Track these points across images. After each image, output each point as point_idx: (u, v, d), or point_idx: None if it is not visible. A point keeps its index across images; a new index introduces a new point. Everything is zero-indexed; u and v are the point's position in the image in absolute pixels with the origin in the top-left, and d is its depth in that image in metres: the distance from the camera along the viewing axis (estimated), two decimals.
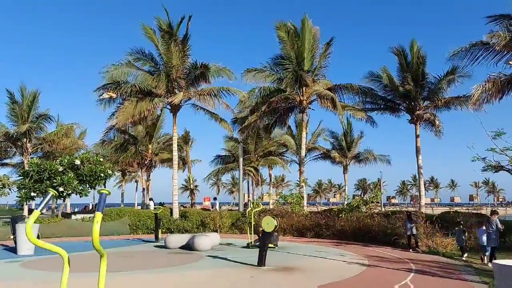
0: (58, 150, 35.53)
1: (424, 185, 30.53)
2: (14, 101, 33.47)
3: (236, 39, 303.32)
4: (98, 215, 3.41)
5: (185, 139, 40.48)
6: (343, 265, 12.08)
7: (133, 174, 50.73)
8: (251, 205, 21.07)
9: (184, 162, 41.73)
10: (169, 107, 24.75)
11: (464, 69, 25.03)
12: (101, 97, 23.06)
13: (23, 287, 9.12)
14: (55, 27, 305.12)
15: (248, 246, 16.23)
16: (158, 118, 35.52)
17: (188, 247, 15.56)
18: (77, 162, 21.46)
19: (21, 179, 21.35)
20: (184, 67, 24.17)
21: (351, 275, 10.44)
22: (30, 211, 39.75)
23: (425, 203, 32.59)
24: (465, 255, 13.85)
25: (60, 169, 21.31)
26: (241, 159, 30.19)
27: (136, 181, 50.01)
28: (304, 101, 27.32)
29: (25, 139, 33.21)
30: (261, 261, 11.56)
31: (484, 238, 12.88)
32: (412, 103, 27.77)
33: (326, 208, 28.82)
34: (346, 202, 24.01)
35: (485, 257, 12.86)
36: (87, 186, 22.06)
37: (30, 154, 33.77)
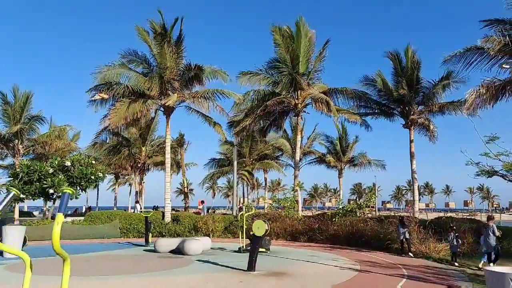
0: (50, 152, 35.22)
1: (419, 190, 30.44)
2: (6, 102, 33.16)
3: (234, 42, 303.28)
4: (59, 217, 3.22)
5: (180, 142, 40.26)
6: (335, 270, 11.89)
7: (126, 177, 50.43)
8: (244, 209, 20.86)
9: (178, 166, 41.51)
10: (163, 109, 24.55)
11: (459, 74, 25.13)
12: (93, 98, 22.81)
13: None
14: (49, 29, 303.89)
15: (239, 250, 16.01)
16: (152, 120, 35.28)
17: (179, 251, 15.32)
18: (68, 163, 21.20)
19: (11, 180, 21.06)
20: (178, 68, 23.97)
21: (342, 280, 10.27)
22: (21, 213, 39.37)
23: (420, 208, 32.55)
24: (457, 260, 13.71)
25: (50, 170, 21.03)
26: (235, 163, 30.01)
27: (130, 184, 49.71)
28: (299, 105, 27.20)
29: (16, 140, 32.88)
30: (251, 266, 11.35)
31: (484, 244, 12.67)
32: (407, 108, 27.73)
33: (320, 212, 28.63)
34: (340, 207, 23.85)
35: (484, 262, 12.61)
36: (78, 188, 21.78)
37: (22, 155, 33.42)
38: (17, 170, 21.70)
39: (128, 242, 19.88)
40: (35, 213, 50.74)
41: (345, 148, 40.84)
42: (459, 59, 18.86)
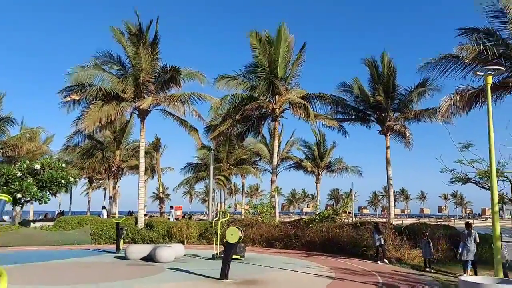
0: (21, 155, 33.95)
1: (394, 196, 30.65)
2: None
3: (216, 44, 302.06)
4: None
5: (156, 146, 39.57)
6: (309, 278, 11.68)
7: (101, 181, 49.23)
8: (219, 214, 20.48)
9: (153, 170, 40.75)
10: (137, 112, 23.98)
11: (434, 82, 25.48)
12: (64, 99, 22.06)
13: None
14: (24, 28, 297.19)
15: (213, 257, 15.64)
16: (127, 123, 34.49)
17: (150, 258, 14.86)
18: (37, 166, 20.45)
19: None
20: (153, 70, 23.45)
21: None
22: None
23: (395, 214, 32.77)
24: (431, 267, 13.70)
25: (19, 174, 20.26)
26: (211, 168, 29.55)
27: (104, 189, 48.52)
28: (277, 109, 27.03)
29: None
30: (224, 274, 11.02)
31: (465, 251, 12.52)
32: (383, 114, 27.95)
33: (297, 218, 28.46)
34: (317, 212, 23.73)
35: (468, 270, 12.48)
36: (47, 192, 21.00)
37: None
38: None
39: (99, 249, 19.22)
40: (5, 217, 48.97)
41: (322, 154, 40.86)
42: (434, 66, 19.00)
